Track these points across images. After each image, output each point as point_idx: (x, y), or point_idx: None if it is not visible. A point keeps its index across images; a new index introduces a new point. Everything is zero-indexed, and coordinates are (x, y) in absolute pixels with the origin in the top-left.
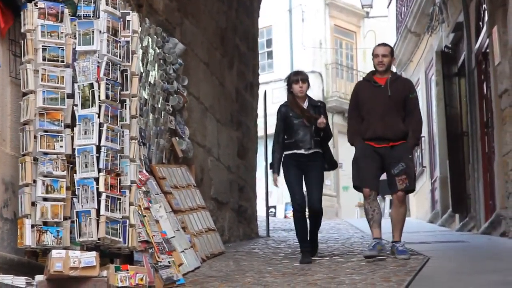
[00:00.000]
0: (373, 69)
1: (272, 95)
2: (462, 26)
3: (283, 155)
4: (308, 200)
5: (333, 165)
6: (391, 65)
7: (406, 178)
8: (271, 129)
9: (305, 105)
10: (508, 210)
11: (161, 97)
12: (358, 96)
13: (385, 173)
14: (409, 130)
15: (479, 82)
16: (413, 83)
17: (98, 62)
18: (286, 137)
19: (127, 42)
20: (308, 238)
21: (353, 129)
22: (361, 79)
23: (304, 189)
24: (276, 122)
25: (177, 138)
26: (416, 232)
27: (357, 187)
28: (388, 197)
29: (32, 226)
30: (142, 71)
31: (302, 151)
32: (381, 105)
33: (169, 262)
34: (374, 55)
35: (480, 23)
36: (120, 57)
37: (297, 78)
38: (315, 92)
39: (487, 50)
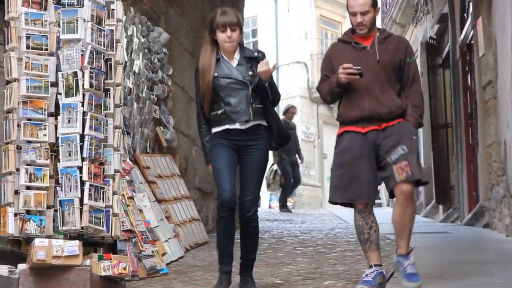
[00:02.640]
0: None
1: None
2: (446, 18)
3: (212, 134)
4: (240, 199)
5: (283, 139)
6: (375, 20)
7: (407, 165)
8: None
9: (236, 57)
10: (491, 201)
11: (145, 86)
12: (333, 64)
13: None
14: (407, 105)
15: (463, 74)
16: (409, 43)
17: (82, 50)
18: (213, 107)
19: (112, 31)
20: (241, 257)
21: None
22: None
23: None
24: (195, 88)
25: (161, 127)
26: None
27: (344, 203)
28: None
29: (15, 214)
30: (126, 60)
31: (236, 125)
32: (367, 74)
33: (152, 252)
34: (351, 13)
35: (465, 14)
36: (104, 46)
37: (223, 22)
38: (300, 83)
39: (472, 42)
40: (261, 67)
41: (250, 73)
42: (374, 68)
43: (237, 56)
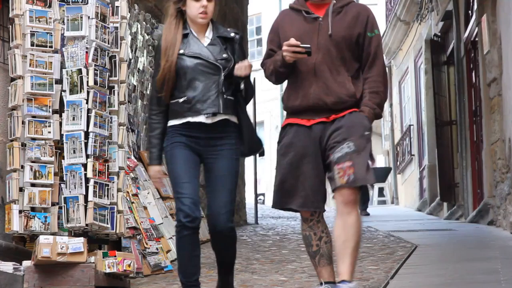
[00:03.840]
0: None
1: (261, 83)
2: (451, 15)
3: (167, 128)
4: (209, 212)
5: (255, 146)
6: None
7: (351, 167)
8: (260, 116)
9: (208, 35)
10: (495, 198)
11: (150, 84)
12: (280, 36)
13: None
14: (365, 91)
15: (468, 71)
16: (372, 13)
17: (87, 48)
18: (173, 94)
19: (116, 28)
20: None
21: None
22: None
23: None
24: (154, 67)
25: None
26: (404, 220)
27: (285, 208)
28: (377, 185)
29: (20, 211)
30: (130, 58)
31: (200, 118)
32: (316, 53)
33: (157, 249)
34: None
35: (469, 11)
36: (108, 43)
37: None
38: None
39: (476, 39)
40: (239, 70)
41: (224, 55)
42: (324, 44)
43: (209, 34)
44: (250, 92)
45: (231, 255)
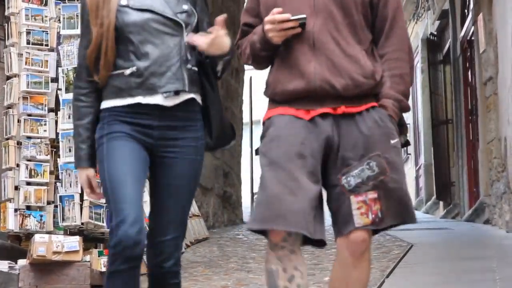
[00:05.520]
0: None
1: (257, 81)
2: (447, 14)
3: (101, 112)
4: (151, 237)
5: (226, 134)
6: None
7: (377, 199)
8: (257, 115)
9: None
10: (491, 197)
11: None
12: (261, 4)
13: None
14: (385, 72)
15: (464, 70)
16: None
17: None
18: (115, 63)
19: None
20: None
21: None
22: None
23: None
24: (80, 32)
25: None
26: None
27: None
28: None
29: (15, 210)
30: None
31: (157, 99)
32: (314, 17)
33: None
34: None
35: (466, 10)
36: None
37: None
38: None
39: (472, 38)
40: (215, 46)
41: (185, 7)
42: (324, 4)
43: None
44: (227, 69)
45: None
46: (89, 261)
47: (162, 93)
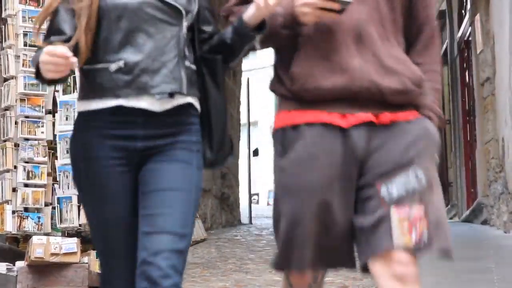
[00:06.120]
0: None
1: (255, 82)
2: (444, 14)
3: (79, 116)
4: (141, 256)
5: (226, 149)
6: None
7: (424, 217)
8: (254, 117)
9: None
10: (489, 198)
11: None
12: None
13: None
14: (424, 74)
15: (461, 70)
16: None
17: None
18: (96, 55)
19: None
20: None
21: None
22: None
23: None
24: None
25: None
26: None
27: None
28: None
29: (13, 212)
30: None
31: (140, 102)
32: (362, 6)
33: None
34: None
35: (463, 11)
36: None
37: None
38: None
39: (470, 38)
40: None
41: None
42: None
43: None
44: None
45: None
46: (87, 263)
47: (154, 94)
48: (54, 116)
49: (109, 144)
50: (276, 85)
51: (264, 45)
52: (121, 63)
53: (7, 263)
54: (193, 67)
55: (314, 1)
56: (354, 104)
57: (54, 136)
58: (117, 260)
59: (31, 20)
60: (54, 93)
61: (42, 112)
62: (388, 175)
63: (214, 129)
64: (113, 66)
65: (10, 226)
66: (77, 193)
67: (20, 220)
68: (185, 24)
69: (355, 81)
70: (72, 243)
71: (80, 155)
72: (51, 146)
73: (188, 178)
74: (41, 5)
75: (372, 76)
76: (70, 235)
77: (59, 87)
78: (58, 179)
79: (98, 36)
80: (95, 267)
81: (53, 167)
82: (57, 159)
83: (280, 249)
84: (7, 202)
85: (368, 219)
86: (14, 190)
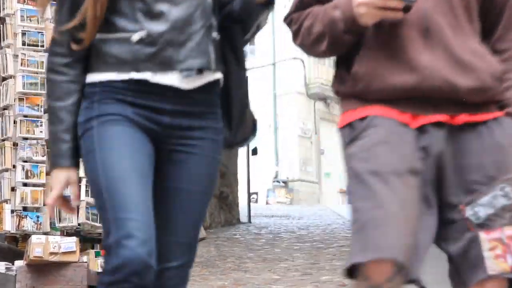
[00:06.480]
0: None
1: (254, 81)
2: None
3: (89, 87)
4: (160, 254)
5: (248, 130)
6: None
7: None
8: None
9: None
10: None
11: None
12: None
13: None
14: (507, 74)
15: None
16: None
17: None
18: (114, 23)
19: None
20: None
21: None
22: None
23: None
24: None
25: None
26: None
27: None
28: None
29: (12, 211)
30: None
31: (170, 77)
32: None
33: None
34: None
35: None
36: None
37: None
38: (297, 79)
39: None
40: None
41: None
42: None
43: None
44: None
45: None
46: (86, 262)
47: (180, 70)
48: None
49: (131, 109)
50: (338, 85)
51: (329, 54)
52: (143, 33)
53: (6, 263)
54: (218, 38)
55: (372, 0)
56: (426, 105)
57: None
58: (132, 208)
59: (30, 19)
60: None
61: (40, 111)
62: (472, 193)
63: (233, 109)
64: (135, 36)
65: (9, 225)
66: None
67: (19, 220)
68: None
69: (426, 80)
70: (71, 242)
71: (94, 115)
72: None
73: (212, 178)
74: None
75: (445, 73)
76: (69, 234)
77: None
78: None
79: (116, 2)
80: (94, 266)
81: None
82: None
83: (364, 236)
84: (6, 201)
85: (455, 247)
86: (13, 189)
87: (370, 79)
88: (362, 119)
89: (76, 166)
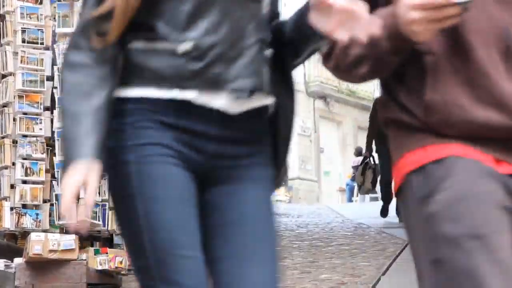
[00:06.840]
0: None
1: None
2: None
3: (119, 104)
4: None
5: (285, 167)
6: None
7: None
8: None
9: None
10: None
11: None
12: None
13: None
14: None
15: None
16: None
17: None
18: (149, 27)
19: None
20: None
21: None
22: None
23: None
24: None
25: None
26: (396, 217)
27: None
28: None
29: (11, 208)
30: None
31: (218, 99)
32: (502, 4)
33: None
34: None
35: None
36: None
37: None
38: (296, 77)
39: None
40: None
41: None
42: None
43: None
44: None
45: None
46: (85, 260)
47: (231, 90)
48: (52, 112)
49: (171, 135)
50: (399, 114)
51: (369, 78)
52: (190, 45)
53: (5, 260)
54: (270, 55)
55: (423, 15)
56: (508, 145)
57: (52, 132)
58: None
59: (29, 17)
60: (52, 90)
61: (40, 108)
62: None
63: (280, 143)
64: (180, 47)
65: (8, 222)
66: None
67: (18, 217)
68: (265, 1)
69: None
70: (70, 240)
71: (128, 144)
72: (49, 143)
73: (270, 208)
74: (39, 1)
75: None
76: (68, 232)
77: (58, 84)
78: (56, 176)
79: (158, 2)
80: (93, 263)
81: (51, 164)
82: (55, 156)
83: None
84: (5, 198)
85: None
86: (12, 186)
87: (449, 110)
88: (439, 160)
89: (99, 157)
